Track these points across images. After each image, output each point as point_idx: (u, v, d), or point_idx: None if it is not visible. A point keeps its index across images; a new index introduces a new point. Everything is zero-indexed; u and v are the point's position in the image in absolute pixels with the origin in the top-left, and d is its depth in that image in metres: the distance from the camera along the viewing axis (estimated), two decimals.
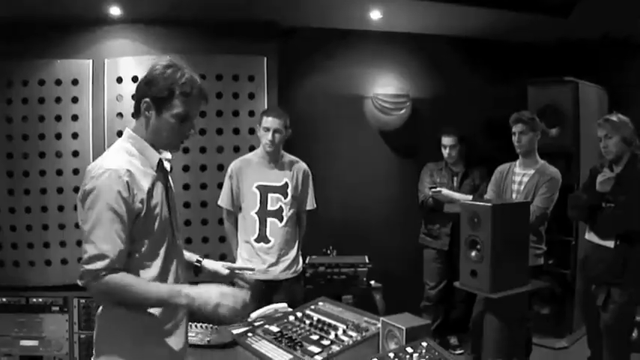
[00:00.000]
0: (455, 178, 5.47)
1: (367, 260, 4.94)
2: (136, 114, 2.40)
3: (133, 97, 2.48)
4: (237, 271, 3.09)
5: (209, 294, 2.23)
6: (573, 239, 5.54)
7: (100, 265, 2.12)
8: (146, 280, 2.26)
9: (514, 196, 4.54)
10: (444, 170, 5.53)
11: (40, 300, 4.59)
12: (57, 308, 4.59)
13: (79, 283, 2.18)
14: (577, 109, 5.50)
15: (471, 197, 5.07)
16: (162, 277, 2.34)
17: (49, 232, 4.90)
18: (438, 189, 5.22)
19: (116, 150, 2.35)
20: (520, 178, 4.56)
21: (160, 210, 2.33)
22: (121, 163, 2.25)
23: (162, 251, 2.36)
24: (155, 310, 2.31)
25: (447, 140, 5.41)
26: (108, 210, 2.15)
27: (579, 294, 4.90)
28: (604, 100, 6.05)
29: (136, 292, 2.18)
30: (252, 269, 3.03)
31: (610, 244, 4.05)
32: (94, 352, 2.32)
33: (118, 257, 2.16)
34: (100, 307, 2.35)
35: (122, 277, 2.17)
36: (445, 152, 5.44)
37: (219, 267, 2.98)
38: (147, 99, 2.32)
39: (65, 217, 4.89)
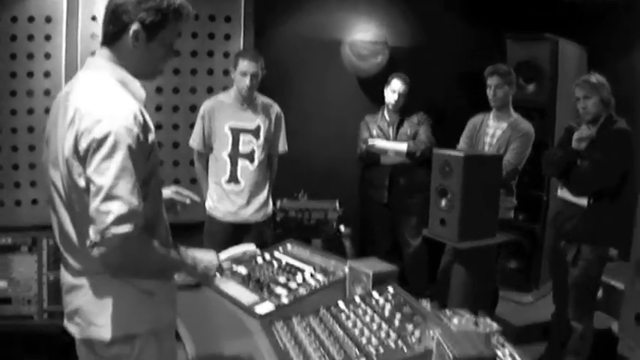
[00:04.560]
0: (391, 128, 5.32)
1: (338, 206, 4.93)
2: (111, 41, 2.03)
3: (108, 21, 2.03)
4: (178, 196, 2.58)
5: (209, 257, 2.27)
6: (545, 195, 5.56)
7: (130, 225, 1.78)
8: (159, 245, 2.01)
9: (486, 148, 4.54)
10: (379, 121, 5.38)
11: (9, 240, 4.52)
12: (26, 249, 4.53)
13: (95, 252, 1.80)
14: (555, 66, 5.46)
15: (405, 145, 5.04)
16: (160, 222, 2.12)
17: (19, 171, 4.79)
18: (371, 142, 5.18)
19: (106, 85, 1.97)
20: (493, 131, 4.56)
21: (156, 151, 2.04)
22: (128, 100, 1.94)
23: (158, 196, 2.14)
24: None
25: (398, 85, 5.20)
26: (129, 158, 1.81)
27: (548, 250, 4.94)
28: (583, 59, 6.02)
29: (158, 259, 1.98)
30: (196, 200, 2.79)
31: (583, 202, 4.06)
32: (77, 319, 2.06)
33: (143, 213, 1.84)
34: (86, 278, 2.02)
35: (147, 241, 1.92)
36: (393, 97, 5.22)
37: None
38: (136, 24, 1.97)
39: (36, 156, 4.75)
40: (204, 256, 2.27)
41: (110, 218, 1.75)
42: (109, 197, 1.76)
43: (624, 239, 4.22)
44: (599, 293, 4.52)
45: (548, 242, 5.18)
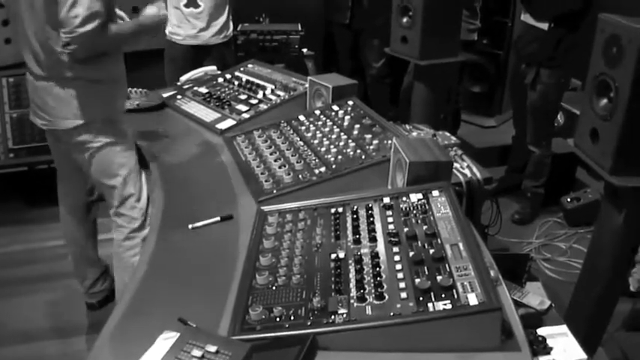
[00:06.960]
0: None
1: (300, 28, 4.84)
2: None
3: None
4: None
5: (153, 9, 2.57)
6: (509, 21, 5.51)
7: (94, 23, 2.22)
8: (115, 25, 2.44)
9: None
10: None
11: None
12: None
13: (67, 50, 2.28)
14: None
15: None
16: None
17: None
18: None
19: None
20: None
21: None
22: None
23: None
24: (116, 74, 2.58)
25: None
26: None
27: (510, 73, 4.97)
28: None
29: (118, 37, 2.45)
30: None
31: (544, 25, 4.04)
32: (42, 114, 2.55)
33: (104, 12, 2.27)
34: (47, 82, 2.48)
35: (106, 30, 2.34)
36: None
37: None
38: None
39: None
40: (150, 10, 2.57)
41: (76, 22, 2.19)
42: (75, 3, 2.18)
43: (585, 70, 4.24)
44: (560, 119, 4.60)
45: (510, 65, 5.20)
